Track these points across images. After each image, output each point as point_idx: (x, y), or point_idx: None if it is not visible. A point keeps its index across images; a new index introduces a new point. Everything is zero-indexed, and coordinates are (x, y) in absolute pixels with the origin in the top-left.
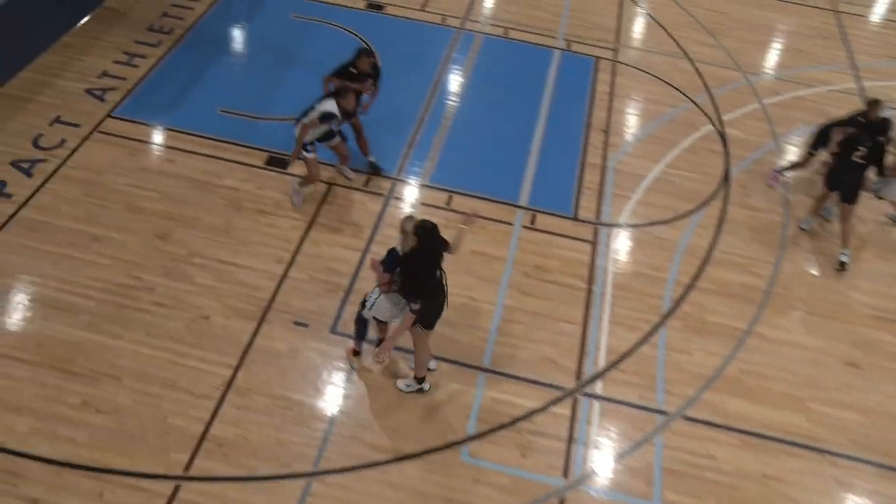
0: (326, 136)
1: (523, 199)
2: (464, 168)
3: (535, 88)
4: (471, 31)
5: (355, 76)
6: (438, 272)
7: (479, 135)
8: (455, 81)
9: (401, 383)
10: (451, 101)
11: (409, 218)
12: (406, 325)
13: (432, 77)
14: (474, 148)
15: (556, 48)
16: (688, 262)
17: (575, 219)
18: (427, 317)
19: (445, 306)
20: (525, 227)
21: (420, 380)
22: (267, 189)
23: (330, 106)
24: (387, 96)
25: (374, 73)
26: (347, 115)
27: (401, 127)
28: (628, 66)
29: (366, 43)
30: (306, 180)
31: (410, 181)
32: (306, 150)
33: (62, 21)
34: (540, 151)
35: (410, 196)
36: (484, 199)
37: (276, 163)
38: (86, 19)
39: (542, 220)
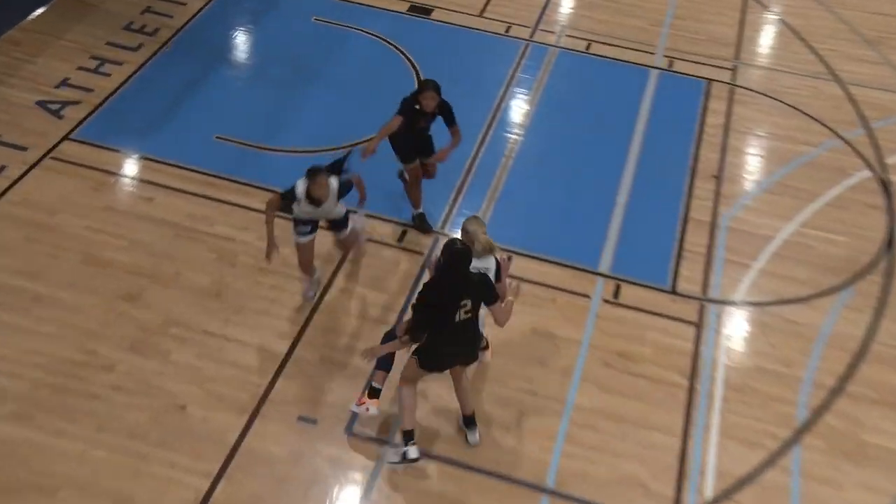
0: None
1: (604, 265)
2: (527, 222)
3: (623, 119)
4: (543, 43)
5: (417, 115)
6: (459, 314)
7: (549, 179)
8: (519, 108)
9: (390, 454)
10: (513, 133)
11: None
12: (395, 347)
13: (490, 102)
14: (542, 196)
15: (653, 67)
16: (832, 356)
17: (673, 292)
18: (428, 356)
19: (461, 356)
20: (606, 301)
21: (406, 438)
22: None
23: (299, 185)
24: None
25: (444, 114)
26: (316, 202)
27: (448, 166)
28: (751, 90)
29: (406, 56)
30: (304, 270)
31: (457, 236)
32: (296, 232)
33: (8, 11)
34: (628, 202)
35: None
36: (553, 262)
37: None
38: (42, 10)
39: (630, 293)
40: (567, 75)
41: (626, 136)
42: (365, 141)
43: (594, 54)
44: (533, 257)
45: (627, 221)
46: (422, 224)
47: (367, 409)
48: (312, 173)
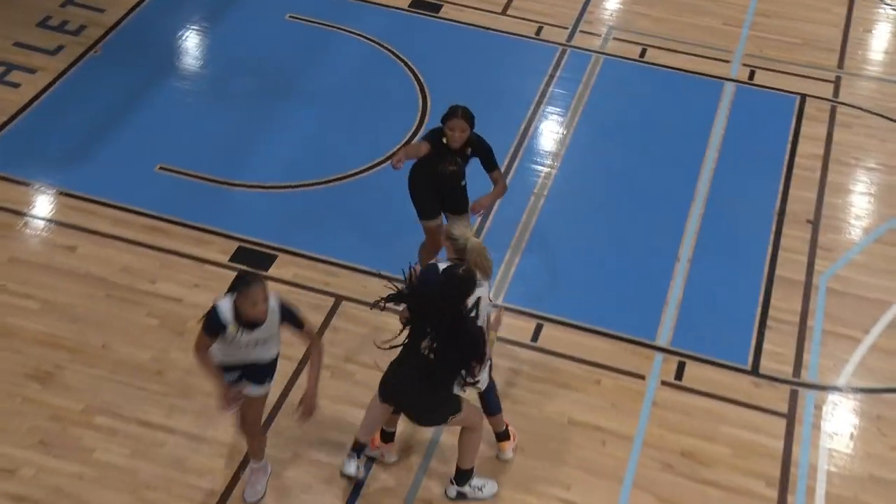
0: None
1: (664, 337)
2: (562, 279)
3: (689, 147)
4: (584, 49)
5: (442, 153)
6: (425, 342)
7: (591, 224)
8: (553, 133)
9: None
10: (545, 164)
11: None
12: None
13: (516, 125)
14: (581, 246)
15: (728, 79)
16: None
17: (756, 374)
18: (385, 385)
19: (409, 405)
20: (666, 383)
21: (355, 449)
22: None
23: (223, 305)
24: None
25: (479, 154)
26: (249, 325)
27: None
28: (859, 108)
29: (407, 65)
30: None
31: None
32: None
33: None
34: (694, 255)
35: None
36: (596, 332)
37: (252, 259)
38: None
39: (697, 374)
40: (615, 90)
41: (693, 170)
42: (355, 174)
43: (650, 63)
44: (570, 325)
45: (694, 281)
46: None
47: (383, 455)
48: (244, 282)
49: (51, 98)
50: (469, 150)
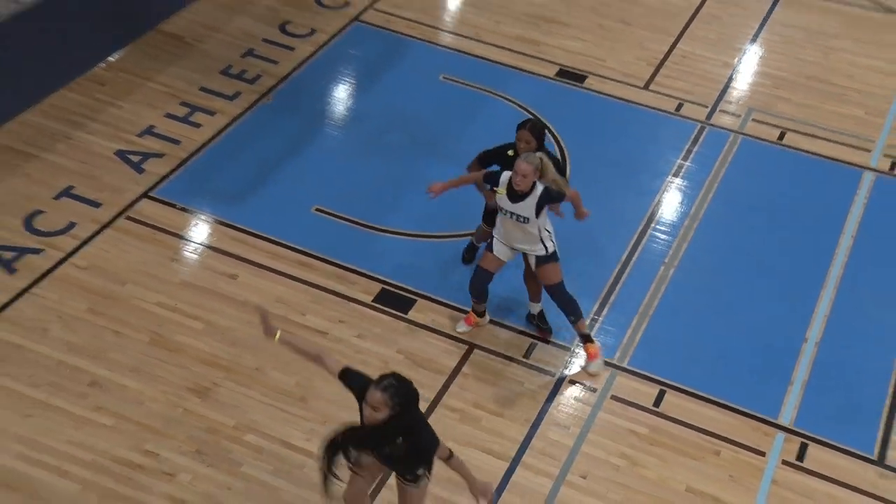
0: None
1: (787, 416)
2: (688, 350)
3: (823, 233)
4: (722, 128)
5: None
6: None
7: (719, 298)
8: (685, 207)
9: None
10: (675, 237)
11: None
12: None
13: (650, 196)
14: (708, 319)
15: (868, 168)
16: None
17: (882, 464)
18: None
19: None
20: (787, 463)
21: None
22: (370, 340)
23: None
24: (572, 223)
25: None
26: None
27: (589, 268)
28: None
29: (549, 130)
30: None
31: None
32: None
33: (93, 45)
34: (822, 338)
35: (595, 381)
36: (718, 404)
37: (393, 301)
38: (128, 47)
39: (819, 457)
40: (751, 170)
41: (825, 255)
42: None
43: (789, 146)
44: (692, 394)
45: (821, 363)
46: (540, 324)
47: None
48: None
49: (226, 139)
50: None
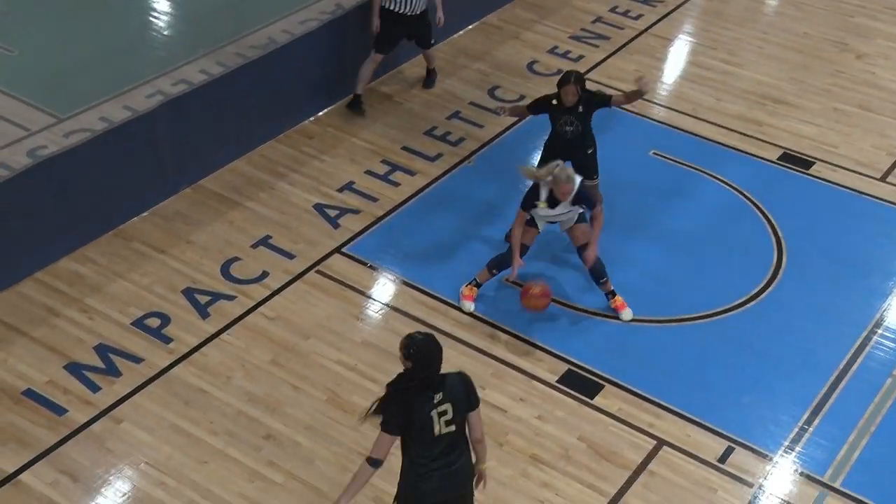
0: None
1: None
2: None
3: None
4: None
5: (556, 114)
6: (438, 422)
7: None
8: None
9: None
10: None
11: None
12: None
13: (880, 298)
14: None
15: None
16: None
17: None
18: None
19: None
20: None
21: None
22: (551, 423)
23: None
24: (784, 321)
25: (586, 102)
26: None
27: (803, 372)
28: None
29: (766, 216)
30: None
31: (801, 473)
32: None
33: (306, 100)
34: None
35: (800, 500)
36: None
37: (579, 384)
38: (338, 103)
39: None
40: None
41: None
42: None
43: None
44: None
45: None
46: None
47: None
48: None
49: (422, 200)
50: (580, 106)
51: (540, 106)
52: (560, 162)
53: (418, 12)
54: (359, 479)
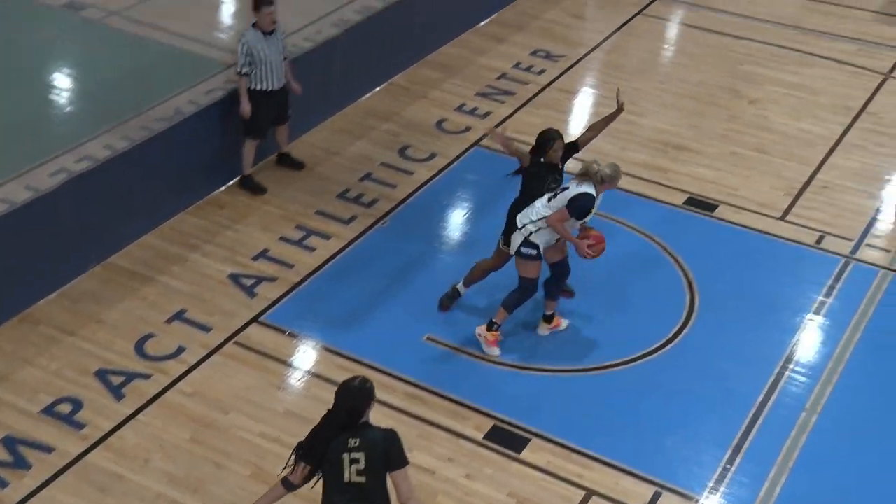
0: None
1: None
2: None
3: None
4: (870, 263)
5: (543, 172)
6: (348, 469)
7: (870, 448)
8: (828, 347)
9: None
10: (817, 380)
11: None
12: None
13: (787, 335)
14: (856, 473)
15: None
16: None
17: None
18: None
19: None
20: None
21: None
22: (479, 481)
23: None
24: (701, 362)
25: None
26: None
27: (721, 410)
28: None
29: (675, 259)
30: None
31: None
32: None
33: (214, 171)
34: None
35: None
36: None
37: (505, 439)
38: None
39: None
40: None
41: None
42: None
43: None
44: None
45: None
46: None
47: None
48: None
49: (339, 263)
50: (560, 165)
51: (536, 163)
52: (598, 159)
53: (281, 86)
54: (269, 494)
